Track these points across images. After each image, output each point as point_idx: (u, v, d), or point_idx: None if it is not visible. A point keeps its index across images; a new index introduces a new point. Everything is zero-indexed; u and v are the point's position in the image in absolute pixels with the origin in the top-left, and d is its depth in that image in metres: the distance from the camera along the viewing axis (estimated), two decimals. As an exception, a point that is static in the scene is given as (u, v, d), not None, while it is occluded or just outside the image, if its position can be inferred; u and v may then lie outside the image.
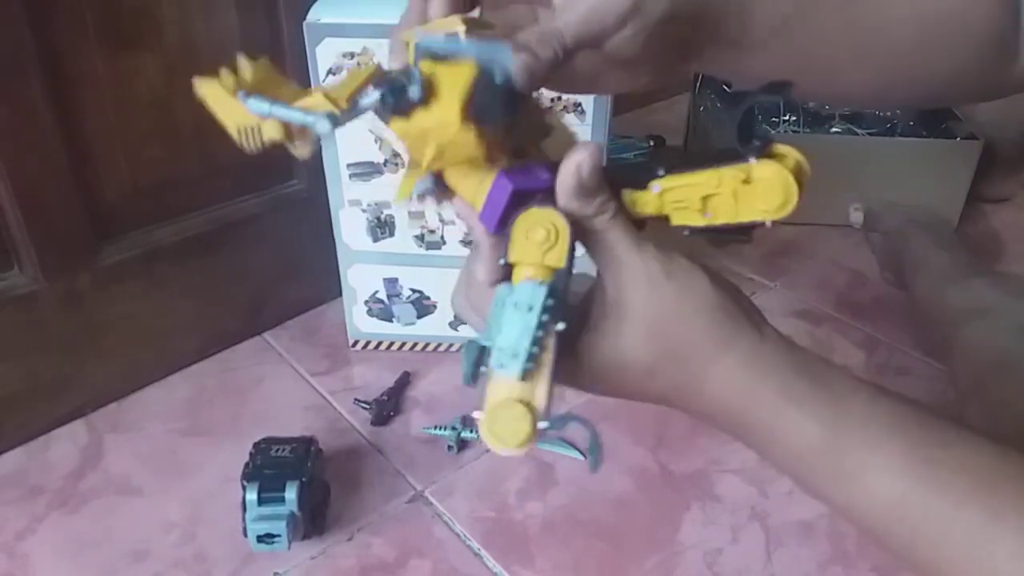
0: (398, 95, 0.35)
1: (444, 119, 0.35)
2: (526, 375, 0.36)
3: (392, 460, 0.78)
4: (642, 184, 0.40)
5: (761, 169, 0.38)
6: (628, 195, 0.40)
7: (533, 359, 0.35)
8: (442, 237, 0.83)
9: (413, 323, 0.90)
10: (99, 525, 0.72)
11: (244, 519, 0.65)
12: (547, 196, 0.38)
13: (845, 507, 0.38)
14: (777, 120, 1.35)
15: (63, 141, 0.72)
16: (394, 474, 0.77)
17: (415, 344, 0.92)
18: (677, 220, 0.40)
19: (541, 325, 0.35)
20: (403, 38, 0.38)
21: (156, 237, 0.82)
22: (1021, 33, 0.51)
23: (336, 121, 0.36)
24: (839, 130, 1.32)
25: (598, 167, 0.37)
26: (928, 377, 0.90)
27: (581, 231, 0.38)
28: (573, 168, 0.37)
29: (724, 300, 0.38)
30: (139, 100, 0.76)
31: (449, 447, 0.79)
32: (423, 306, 0.89)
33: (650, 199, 0.40)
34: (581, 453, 0.79)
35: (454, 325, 0.90)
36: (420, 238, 0.84)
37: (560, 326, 0.36)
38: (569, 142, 0.39)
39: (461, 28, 0.37)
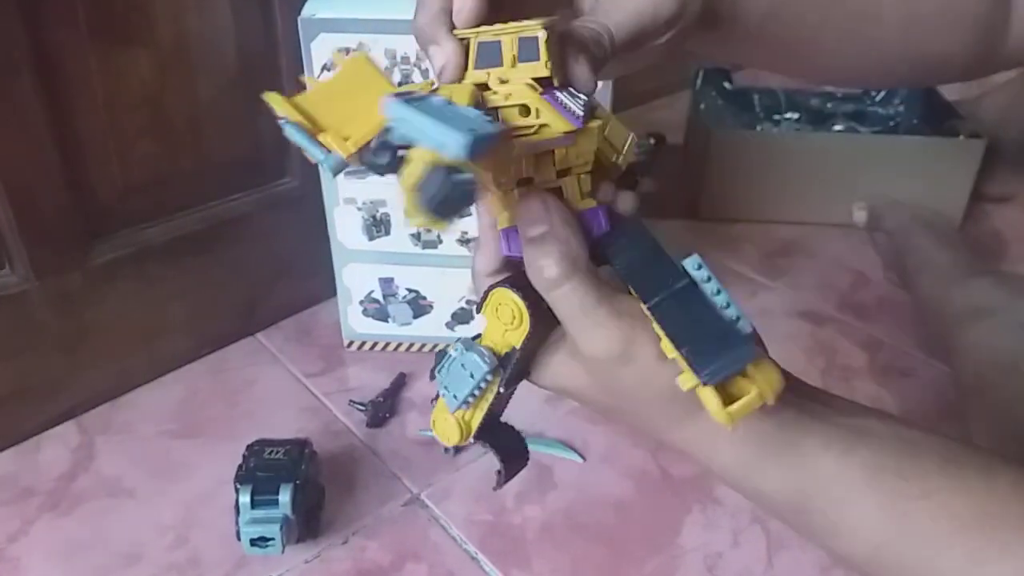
0: (382, 167, 0.34)
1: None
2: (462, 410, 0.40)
3: (388, 462, 0.77)
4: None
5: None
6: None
7: (469, 404, 0.39)
8: (439, 236, 0.82)
9: (409, 323, 0.89)
10: (91, 528, 0.71)
11: (237, 522, 0.64)
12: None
13: (828, 554, 0.38)
14: (779, 118, 1.34)
15: (54, 138, 0.71)
16: (390, 476, 0.76)
17: (411, 345, 0.91)
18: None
19: (478, 388, 0.38)
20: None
21: (148, 236, 0.81)
22: (1012, 12, 0.50)
23: (340, 167, 0.35)
24: (841, 128, 1.31)
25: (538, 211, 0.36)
26: (931, 378, 0.89)
27: (543, 290, 0.37)
28: (529, 219, 0.36)
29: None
30: (132, 97, 0.75)
31: (445, 449, 0.78)
32: (419, 306, 0.88)
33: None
34: (579, 455, 0.78)
35: (451, 326, 0.89)
36: (416, 237, 0.83)
37: (501, 390, 0.39)
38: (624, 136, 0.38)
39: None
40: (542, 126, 0.34)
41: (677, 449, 0.39)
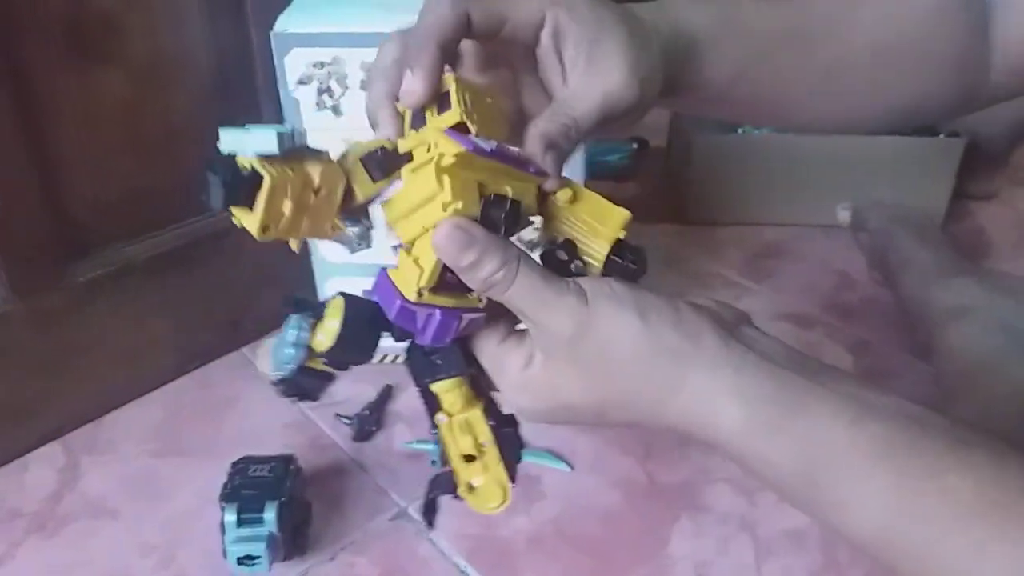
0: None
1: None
2: None
3: (375, 476, 0.77)
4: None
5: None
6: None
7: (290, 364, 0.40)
8: (422, 248, 0.82)
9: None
10: (78, 549, 0.71)
11: (223, 541, 0.64)
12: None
13: (830, 529, 0.36)
14: (761, 120, 1.34)
15: (30, 157, 0.70)
16: (377, 491, 0.76)
17: (396, 356, 0.90)
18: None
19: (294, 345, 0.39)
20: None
21: (128, 253, 0.80)
22: (991, 49, 0.50)
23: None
24: (823, 129, 1.31)
25: (459, 243, 0.35)
26: (917, 380, 0.89)
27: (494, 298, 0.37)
28: (440, 255, 0.36)
29: (659, 336, 0.36)
30: (106, 112, 0.74)
31: (433, 461, 0.76)
32: (404, 317, 0.87)
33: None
34: (568, 464, 0.78)
35: (437, 336, 0.88)
36: (398, 249, 0.82)
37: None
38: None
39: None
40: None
41: (680, 429, 0.37)
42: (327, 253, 0.83)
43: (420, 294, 0.36)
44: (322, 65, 0.70)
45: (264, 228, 0.35)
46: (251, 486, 0.66)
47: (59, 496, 0.76)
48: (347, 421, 0.82)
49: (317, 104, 0.72)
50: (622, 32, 0.40)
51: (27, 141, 0.69)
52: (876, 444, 0.34)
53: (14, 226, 0.71)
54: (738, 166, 1.15)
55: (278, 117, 0.76)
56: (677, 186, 1.20)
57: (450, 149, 0.34)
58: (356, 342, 0.40)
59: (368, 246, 0.41)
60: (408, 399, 0.86)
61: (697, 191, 1.17)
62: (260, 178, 0.34)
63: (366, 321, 0.39)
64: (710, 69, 0.45)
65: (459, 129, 0.37)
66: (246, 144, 0.35)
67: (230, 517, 0.64)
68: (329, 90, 0.71)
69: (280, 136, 0.35)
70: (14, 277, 0.73)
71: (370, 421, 0.82)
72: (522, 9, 0.40)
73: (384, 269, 0.38)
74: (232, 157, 0.35)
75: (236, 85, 0.81)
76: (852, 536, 0.36)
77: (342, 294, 0.40)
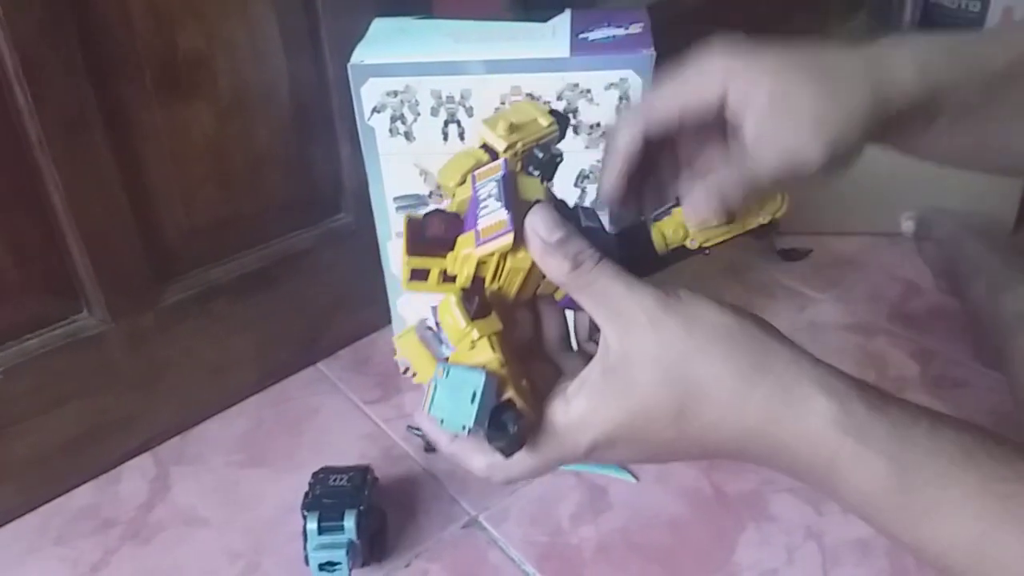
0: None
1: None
2: None
3: (446, 486, 0.80)
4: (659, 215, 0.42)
5: None
6: (657, 228, 0.42)
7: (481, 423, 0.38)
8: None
9: (462, 349, 0.91)
10: (169, 555, 0.75)
11: (305, 548, 0.67)
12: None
13: (916, 546, 0.35)
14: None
15: (124, 188, 0.75)
16: (448, 500, 0.78)
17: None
18: (699, 239, 0.42)
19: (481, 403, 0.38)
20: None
21: (213, 275, 0.85)
22: None
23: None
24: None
25: (552, 223, 0.37)
26: (986, 388, 0.88)
27: (572, 291, 0.38)
28: (530, 232, 0.37)
29: (740, 323, 0.36)
30: (194, 146, 0.79)
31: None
32: (472, 332, 0.90)
33: (678, 222, 0.42)
34: (632, 475, 0.79)
35: (503, 350, 0.91)
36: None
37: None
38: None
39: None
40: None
41: (757, 432, 0.35)
42: (399, 272, 0.86)
43: None
44: (395, 94, 0.74)
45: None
46: (331, 495, 0.69)
47: (151, 505, 0.80)
48: (418, 433, 0.85)
49: (391, 131, 0.76)
50: (809, 91, 0.40)
51: (122, 173, 0.74)
52: (960, 447, 0.33)
53: (110, 253, 0.76)
54: (800, 176, 1.15)
55: (353, 144, 0.80)
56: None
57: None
58: None
59: None
60: (477, 412, 0.89)
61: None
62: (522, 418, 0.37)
63: None
64: (940, 109, 0.44)
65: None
66: (462, 413, 0.37)
67: (312, 525, 0.67)
68: (402, 117, 0.75)
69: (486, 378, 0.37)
70: (110, 301, 0.78)
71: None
72: (700, 92, 0.42)
73: None
74: (513, 409, 0.37)
75: (313, 115, 0.85)
76: (944, 549, 0.34)
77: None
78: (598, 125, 0.74)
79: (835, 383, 0.35)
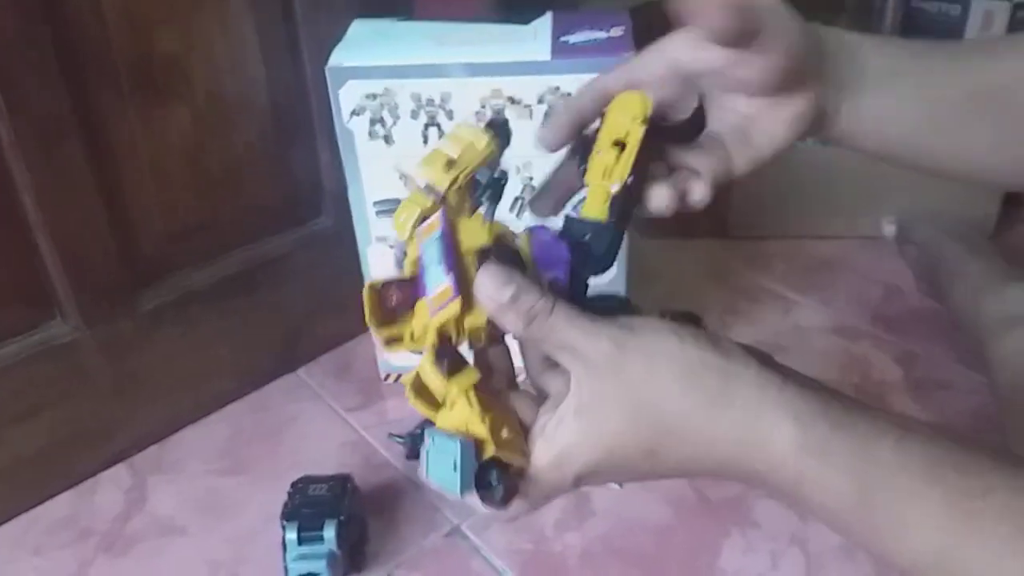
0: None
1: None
2: None
3: (428, 494, 0.79)
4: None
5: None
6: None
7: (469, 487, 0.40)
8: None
9: (445, 355, 0.90)
10: (146, 566, 0.74)
11: (285, 559, 0.66)
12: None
13: (883, 558, 0.35)
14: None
15: (100, 193, 0.74)
16: (430, 508, 0.78)
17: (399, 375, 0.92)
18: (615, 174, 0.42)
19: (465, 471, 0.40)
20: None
21: (191, 281, 0.84)
22: None
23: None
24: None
25: (500, 281, 0.37)
26: (969, 390, 0.88)
27: (531, 343, 0.39)
28: (481, 296, 0.38)
29: (701, 354, 0.36)
30: (171, 150, 0.78)
31: (485, 479, 0.79)
32: (454, 338, 0.89)
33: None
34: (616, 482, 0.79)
35: (486, 355, 0.90)
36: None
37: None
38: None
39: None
40: None
41: (729, 459, 0.36)
42: (378, 276, 0.85)
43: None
44: (374, 96, 0.73)
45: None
46: (310, 505, 0.68)
47: (127, 515, 0.79)
48: (399, 440, 0.83)
49: (370, 134, 0.75)
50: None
51: (97, 178, 0.73)
52: (925, 462, 0.34)
53: (85, 259, 0.75)
54: (783, 178, 1.15)
55: (332, 147, 0.79)
56: (721, 199, 1.19)
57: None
58: None
59: None
60: (459, 418, 0.88)
61: (742, 204, 1.17)
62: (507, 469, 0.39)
63: None
64: (871, 119, 0.45)
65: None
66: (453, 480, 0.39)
67: (291, 535, 0.66)
68: (381, 120, 0.74)
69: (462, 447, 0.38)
70: (84, 307, 0.76)
71: (421, 439, 0.84)
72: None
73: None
74: (498, 465, 0.38)
75: (292, 118, 0.84)
76: (909, 564, 0.34)
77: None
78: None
79: (800, 405, 0.35)
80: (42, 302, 0.76)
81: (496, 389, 0.42)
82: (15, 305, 0.74)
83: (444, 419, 0.40)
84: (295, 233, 0.90)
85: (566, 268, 0.41)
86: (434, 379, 0.40)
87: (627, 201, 0.41)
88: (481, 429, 0.39)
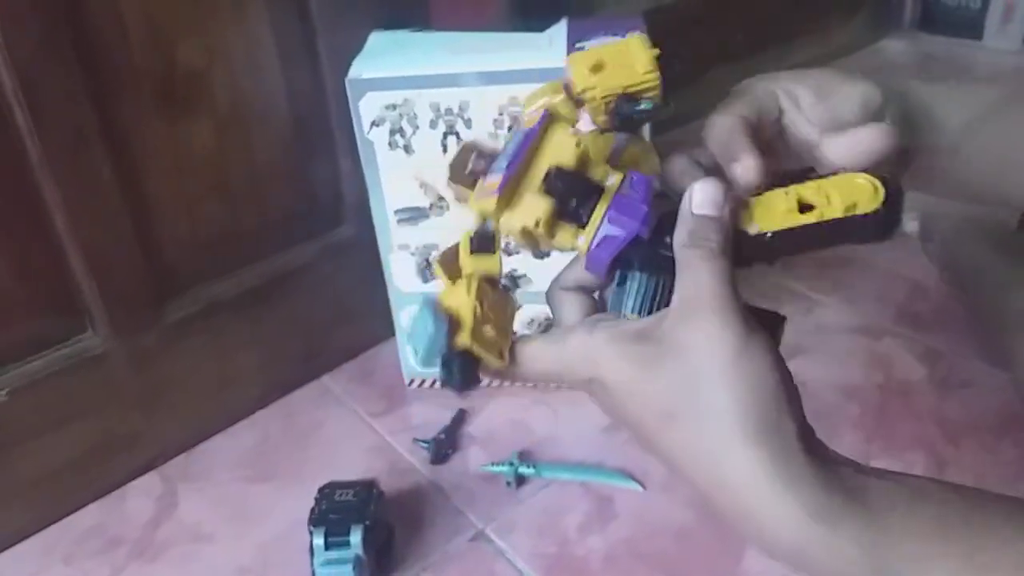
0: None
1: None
2: None
3: (453, 498, 0.80)
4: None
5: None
6: (758, 204, 0.42)
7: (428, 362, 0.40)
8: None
9: (467, 360, 0.91)
10: (177, 573, 0.75)
11: (312, 563, 0.67)
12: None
13: None
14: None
15: (126, 205, 0.75)
16: (455, 512, 0.78)
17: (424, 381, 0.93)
18: (761, 223, 0.42)
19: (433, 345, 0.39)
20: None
21: (216, 291, 0.85)
22: None
23: None
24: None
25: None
26: (993, 388, 0.87)
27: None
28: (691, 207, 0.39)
29: (778, 391, 0.35)
30: (195, 161, 0.79)
31: (508, 483, 0.80)
32: (476, 343, 0.90)
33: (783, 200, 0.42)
34: (640, 484, 0.79)
35: (507, 360, 0.91)
36: (469, 278, 0.85)
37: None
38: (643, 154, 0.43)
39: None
40: None
41: (735, 491, 0.35)
42: (401, 284, 0.86)
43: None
44: (394, 107, 0.74)
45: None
46: (337, 510, 0.69)
47: (157, 522, 0.80)
48: (424, 445, 0.85)
49: (390, 144, 0.76)
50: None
51: (123, 190, 0.74)
52: (939, 522, 0.33)
53: (113, 271, 0.76)
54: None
55: (353, 157, 0.80)
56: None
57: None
58: None
59: None
60: (482, 422, 0.89)
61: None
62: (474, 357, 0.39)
63: None
64: (939, 127, 0.47)
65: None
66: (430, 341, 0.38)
67: (318, 541, 0.67)
68: (401, 130, 0.75)
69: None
70: (114, 319, 0.78)
71: (446, 444, 0.85)
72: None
73: None
74: (464, 355, 0.39)
75: (313, 129, 0.85)
76: None
77: None
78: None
79: (820, 472, 0.34)
80: (73, 314, 0.77)
81: (507, 294, 0.42)
82: (47, 317, 0.76)
83: (445, 294, 0.40)
84: (317, 242, 0.92)
85: (644, 222, 0.39)
86: (462, 252, 0.41)
87: None
88: (467, 316, 0.39)
